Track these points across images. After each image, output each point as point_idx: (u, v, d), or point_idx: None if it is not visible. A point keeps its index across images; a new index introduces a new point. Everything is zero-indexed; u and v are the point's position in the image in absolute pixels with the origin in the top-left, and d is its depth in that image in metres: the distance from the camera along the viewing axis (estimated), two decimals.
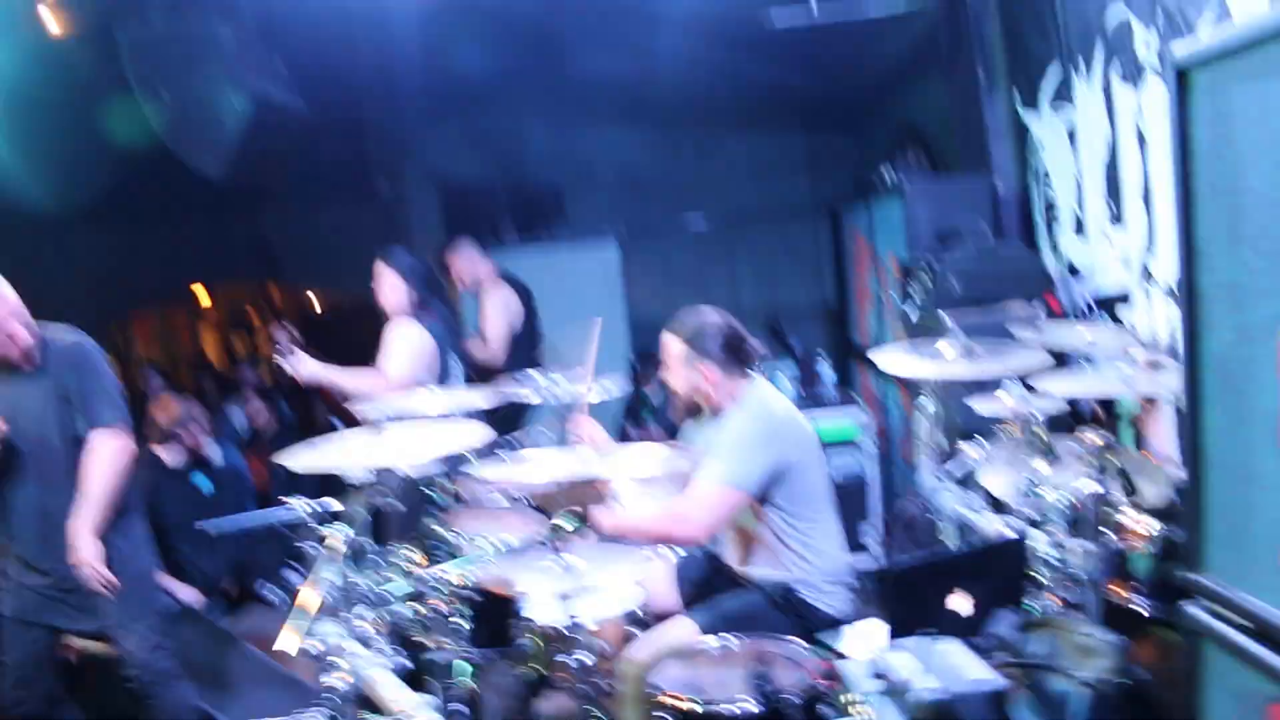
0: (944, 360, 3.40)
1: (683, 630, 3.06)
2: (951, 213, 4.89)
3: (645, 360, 6.55)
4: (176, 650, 3.65)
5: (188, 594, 4.62)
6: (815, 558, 3.12)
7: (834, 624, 3.11)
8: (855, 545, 5.24)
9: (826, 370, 5.79)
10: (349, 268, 4.59)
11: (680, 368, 3.23)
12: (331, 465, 2.72)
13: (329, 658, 2.67)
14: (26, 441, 3.41)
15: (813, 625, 3.08)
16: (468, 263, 5.63)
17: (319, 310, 10.43)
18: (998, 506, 3.15)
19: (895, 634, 2.45)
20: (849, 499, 5.19)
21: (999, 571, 2.57)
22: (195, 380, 8.81)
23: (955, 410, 3.68)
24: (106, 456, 3.43)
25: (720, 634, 2.91)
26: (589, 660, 2.76)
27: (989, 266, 4.48)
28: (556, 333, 6.01)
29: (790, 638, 2.79)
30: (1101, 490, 2.53)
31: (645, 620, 3.35)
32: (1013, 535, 2.81)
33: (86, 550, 3.36)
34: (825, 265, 7.19)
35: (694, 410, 3.32)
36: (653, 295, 7.25)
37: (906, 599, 2.46)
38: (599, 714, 2.96)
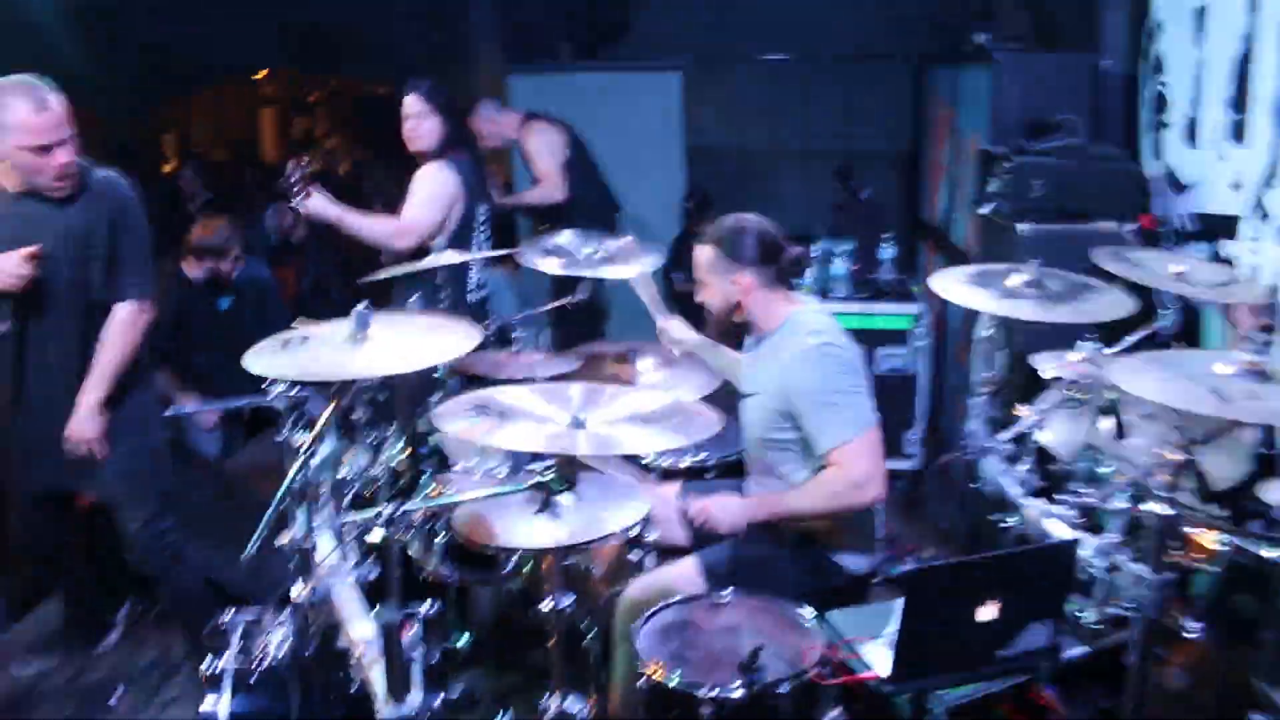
0: (1011, 298, 3.01)
1: (685, 573, 2.86)
2: (1046, 96, 4.35)
3: (701, 202, 6.17)
4: (186, 514, 3.54)
5: (207, 418, 4.58)
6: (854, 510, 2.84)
7: (852, 578, 2.88)
8: (893, 449, 4.98)
9: (888, 252, 5.35)
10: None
11: (713, 278, 2.91)
12: (302, 374, 2.44)
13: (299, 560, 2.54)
14: (45, 281, 3.18)
15: (831, 577, 2.87)
16: (489, 124, 5.41)
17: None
18: (1050, 487, 2.82)
19: (912, 649, 2.20)
20: (894, 398, 4.93)
21: (1039, 579, 2.27)
22: (241, 175, 8.60)
23: (1018, 365, 3.29)
24: (126, 330, 3.25)
25: (723, 586, 2.70)
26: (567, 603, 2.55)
27: (1079, 171, 3.99)
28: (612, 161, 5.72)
29: (799, 608, 2.58)
30: (1169, 509, 2.18)
31: (650, 549, 3.17)
32: (1062, 538, 2.49)
33: (89, 426, 3.21)
34: (903, 126, 6.61)
35: (729, 330, 2.99)
36: (717, 127, 6.85)
37: (928, 607, 2.18)
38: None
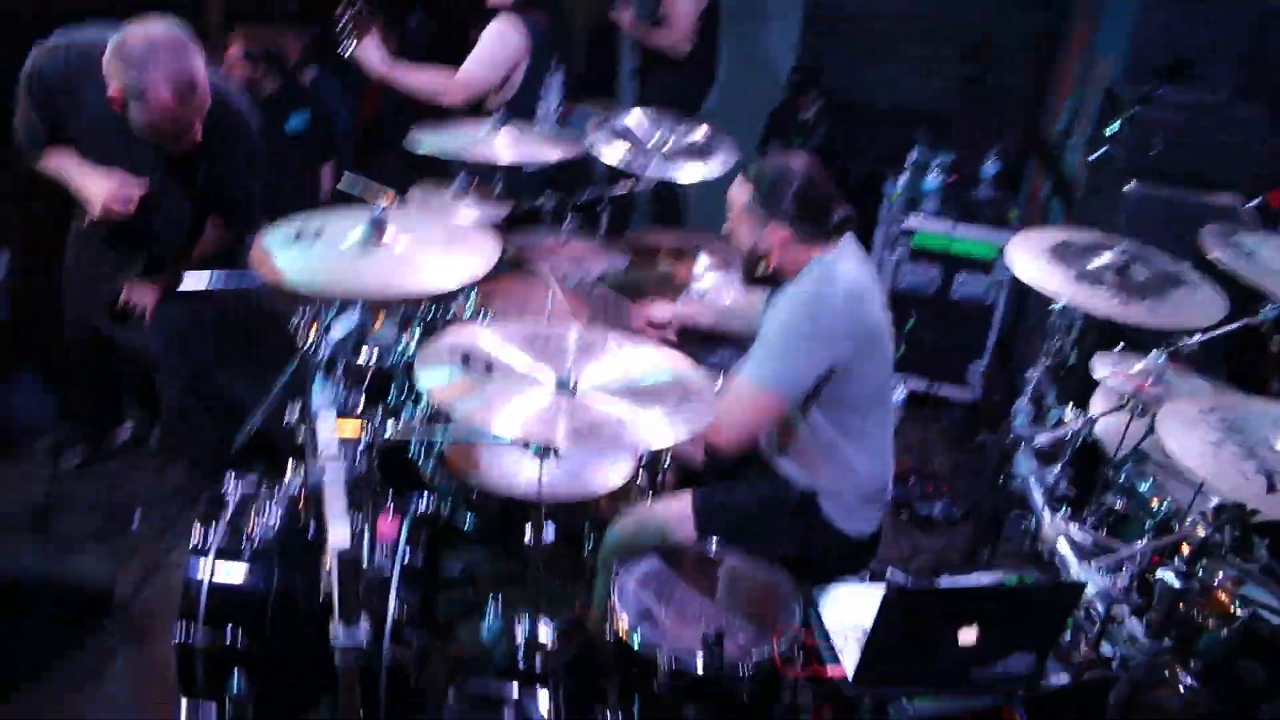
0: (1088, 284, 2.79)
1: (678, 511, 2.82)
2: (1196, 36, 3.93)
3: (807, 77, 5.84)
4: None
5: None
6: (852, 473, 2.76)
7: (850, 545, 2.80)
8: (957, 377, 4.81)
9: (991, 169, 5.02)
10: None
11: (744, 223, 2.73)
12: (305, 282, 2.37)
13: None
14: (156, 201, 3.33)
15: (827, 542, 2.79)
16: None
17: None
18: (1080, 495, 2.67)
19: (878, 658, 2.14)
20: (966, 325, 4.76)
21: (1034, 615, 2.17)
22: None
23: (1085, 352, 3.07)
24: (213, 243, 3.47)
25: (713, 532, 2.73)
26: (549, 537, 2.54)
27: (1209, 133, 3.63)
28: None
29: (784, 580, 2.54)
30: (1179, 584, 2.04)
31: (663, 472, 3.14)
32: (1068, 569, 2.37)
33: (147, 293, 3.45)
34: (1050, 19, 6.04)
35: (756, 274, 2.83)
36: None
37: (902, 625, 2.11)
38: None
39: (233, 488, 2.77)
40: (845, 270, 2.66)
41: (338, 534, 2.47)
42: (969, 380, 4.81)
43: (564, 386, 2.12)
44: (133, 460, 3.96)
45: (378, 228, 2.52)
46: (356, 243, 2.50)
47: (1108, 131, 3.88)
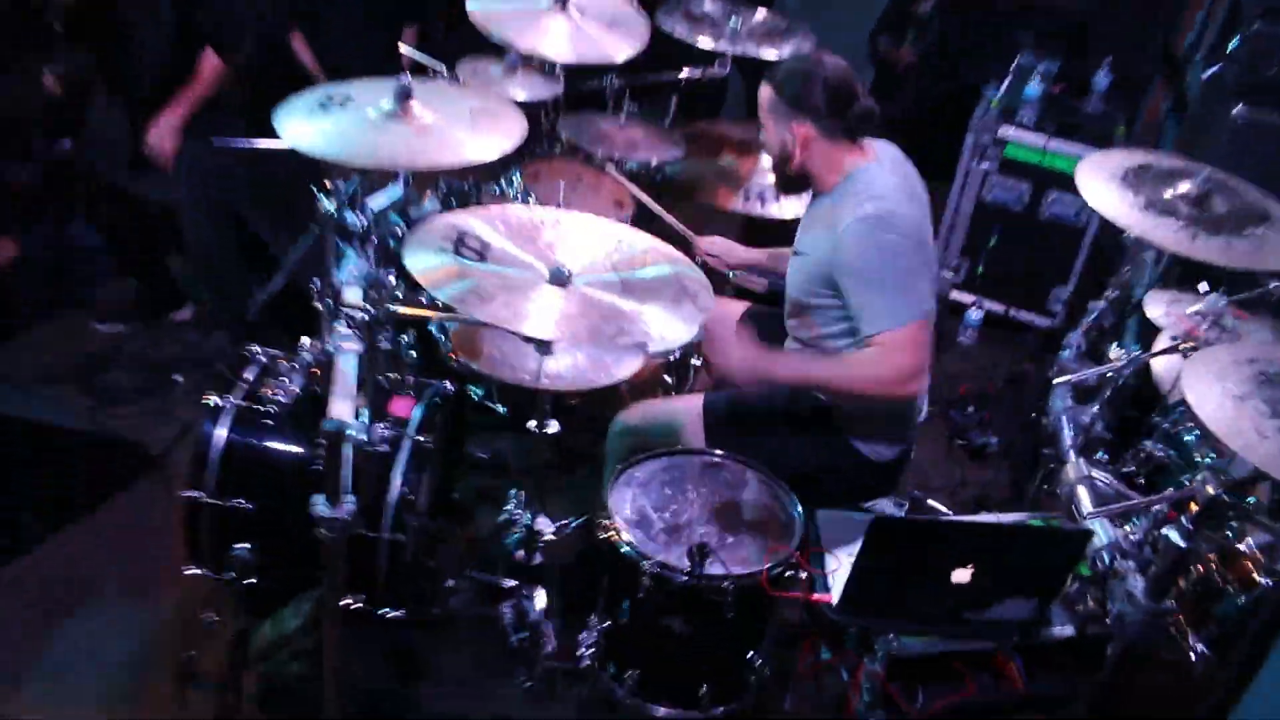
0: (1156, 214, 2.60)
1: (688, 409, 2.78)
2: None
3: None
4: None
5: None
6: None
7: (870, 467, 2.72)
8: (1038, 302, 4.62)
9: (1104, 80, 4.70)
10: None
11: (770, 123, 2.64)
12: (327, 152, 2.34)
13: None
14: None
15: (843, 461, 2.71)
16: None
17: None
18: (1118, 437, 2.54)
19: (863, 589, 2.08)
20: (1053, 248, 4.55)
21: (1036, 560, 2.08)
22: None
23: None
24: (211, 81, 3.59)
25: (722, 435, 2.69)
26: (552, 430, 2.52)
27: None
28: None
29: (787, 496, 2.48)
30: (1184, 542, 1.92)
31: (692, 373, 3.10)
32: (1081, 528, 2.25)
33: (166, 139, 3.53)
34: None
35: (787, 177, 2.71)
36: None
37: (890, 556, 2.05)
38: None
39: (257, 354, 2.81)
40: (885, 180, 2.55)
41: (337, 408, 2.51)
42: (1050, 307, 4.60)
43: (559, 277, 2.07)
44: (180, 325, 4.08)
45: (403, 99, 2.46)
46: (382, 113, 2.45)
47: (1229, 47, 3.58)
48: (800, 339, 2.77)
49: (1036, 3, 5.26)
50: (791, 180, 2.69)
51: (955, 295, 4.70)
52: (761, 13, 3.86)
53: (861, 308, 2.48)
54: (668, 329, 2.01)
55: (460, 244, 2.10)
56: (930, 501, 3.13)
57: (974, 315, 4.54)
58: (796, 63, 2.62)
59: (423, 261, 2.03)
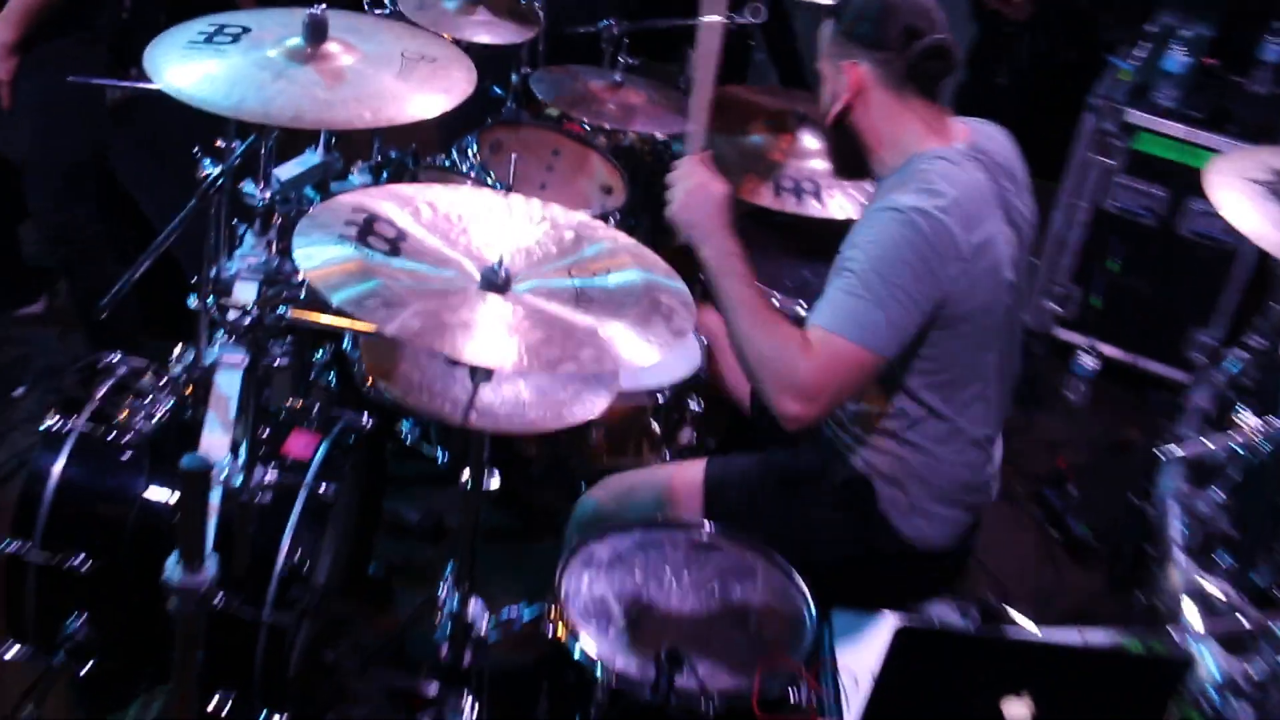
0: None
1: (686, 478, 2.82)
2: None
3: None
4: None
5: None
6: (935, 460, 2.68)
7: (915, 555, 2.73)
8: (1172, 347, 4.62)
9: (1273, 51, 4.71)
10: None
11: (825, 65, 2.69)
12: (206, 100, 2.37)
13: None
14: None
15: (881, 548, 2.73)
16: None
17: None
18: (1243, 539, 2.54)
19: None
20: (1194, 275, 4.58)
21: (1116, 693, 2.08)
22: None
23: None
24: None
25: (727, 512, 2.71)
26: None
27: None
28: None
29: (796, 590, 2.49)
30: None
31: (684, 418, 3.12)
32: (1181, 654, 2.25)
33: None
34: None
35: (844, 154, 2.74)
36: None
37: (921, 678, 2.04)
38: None
39: (115, 364, 2.84)
40: (960, 179, 2.55)
41: (209, 440, 2.55)
42: (1190, 356, 4.59)
43: (493, 280, 2.09)
44: (29, 319, 4.14)
45: (315, 35, 2.50)
46: (286, 52, 2.49)
47: None
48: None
49: None
50: (844, 152, 2.72)
51: (1061, 334, 4.73)
52: None
53: (828, 290, 2.51)
54: (631, 353, 2.03)
55: (367, 231, 2.12)
56: (1010, 610, 3.12)
57: (1085, 363, 4.55)
58: None
59: (315, 252, 2.05)
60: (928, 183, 2.52)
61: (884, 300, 2.44)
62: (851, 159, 2.74)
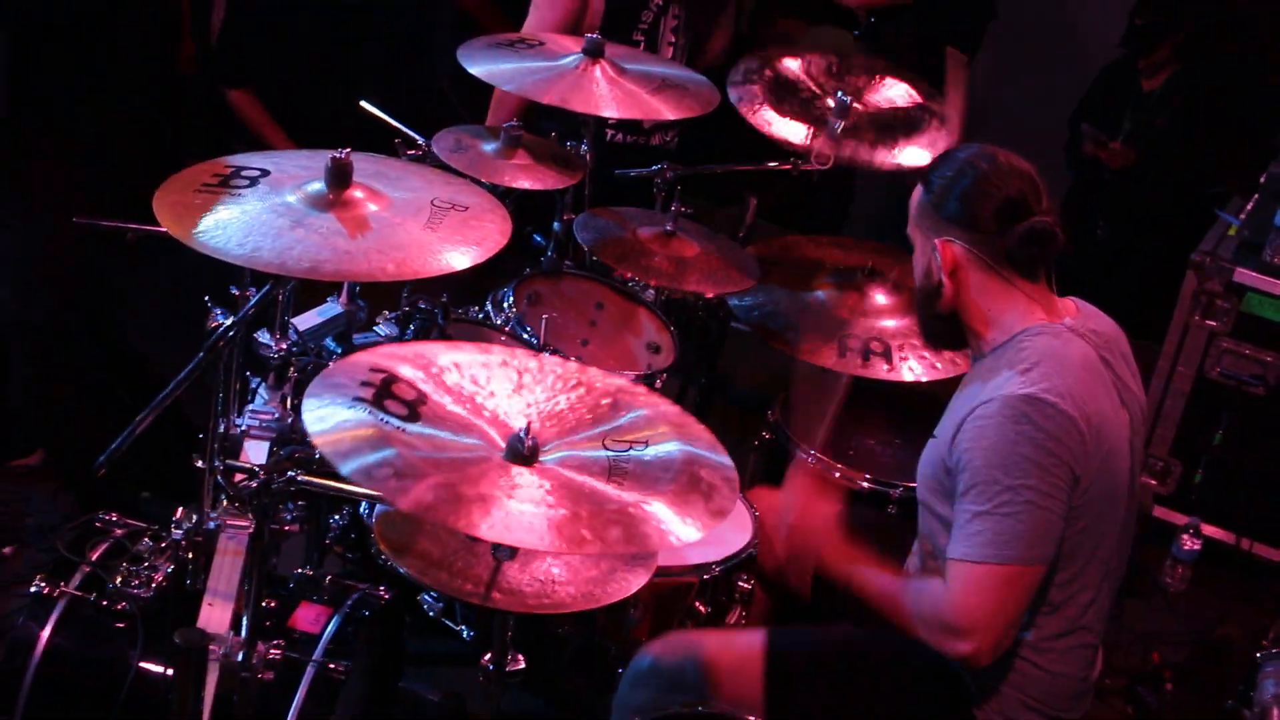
0: None
1: (740, 651, 2.86)
2: None
3: (1162, 18, 5.63)
4: None
5: None
6: (1043, 662, 2.72)
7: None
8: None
9: None
10: None
11: (918, 237, 2.80)
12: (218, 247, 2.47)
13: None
14: None
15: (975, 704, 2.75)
16: None
17: None
18: None
19: None
20: None
21: None
22: None
23: None
24: None
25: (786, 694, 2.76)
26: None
27: None
28: None
29: None
30: None
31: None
32: None
33: None
34: None
35: (934, 325, 2.85)
36: None
37: None
38: None
39: (111, 525, 2.91)
40: (1062, 351, 2.64)
41: (211, 612, 2.61)
42: None
43: (518, 450, 2.14)
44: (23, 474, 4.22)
45: (338, 179, 2.59)
46: (306, 198, 2.59)
47: None
48: (927, 557, 2.85)
49: None
50: (937, 325, 2.81)
51: (1160, 513, 4.72)
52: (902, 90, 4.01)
53: (957, 518, 2.58)
54: (664, 534, 2.07)
55: (384, 393, 2.18)
56: None
57: (1187, 546, 4.52)
58: (957, 152, 2.74)
59: (326, 415, 2.11)
60: (1033, 364, 2.59)
61: (1015, 509, 2.51)
62: (946, 333, 2.83)
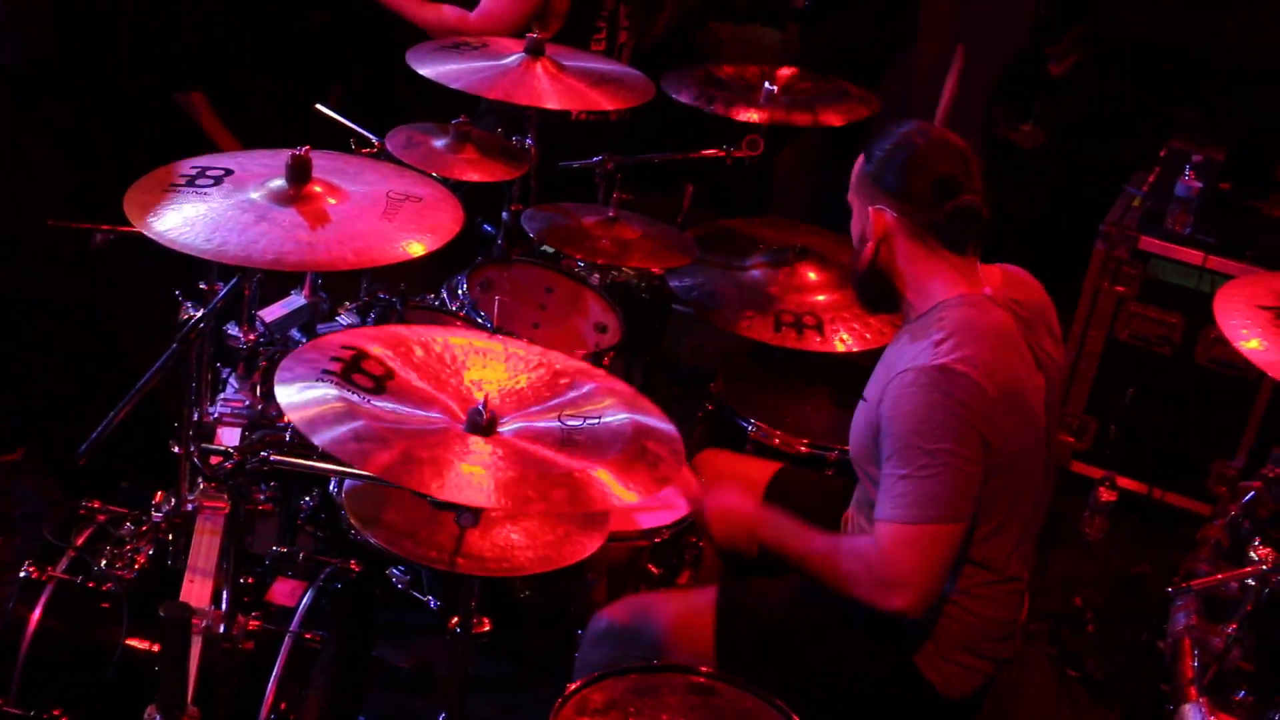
0: None
1: (693, 607, 2.89)
2: None
3: (1066, 9, 5.70)
4: None
5: None
6: (974, 609, 2.76)
7: (936, 704, 2.79)
8: (1192, 480, 4.68)
9: None
10: None
11: (855, 200, 2.84)
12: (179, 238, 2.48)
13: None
14: None
15: (903, 696, 2.79)
16: None
17: None
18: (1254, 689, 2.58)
19: None
20: (1216, 407, 4.62)
21: None
22: None
23: None
24: None
25: (740, 654, 2.77)
26: None
27: None
28: None
29: None
30: None
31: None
32: None
33: None
34: None
35: (867, 290, 2.89)
36: None
37: None
38: None
39: (94, 511, 2.91)
40: (978, 319, 2.68)
41: (192, 589, 2.62)
42: (1213, 488, 4.64)
43: (476, 422, 2.17)
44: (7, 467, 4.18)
45: (298, 174, 2.61)
46: (269, 193, 2.61)
47: None
48: (862, 516, 2.89)
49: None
50: (870, 288, 2.85)
51: (1077, 468, 4.78)
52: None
53: (881, 480, 2.63)
54: (608, 497, 2.11)
55: (352, 370, 2.21)
56: None
57: (1103, 498, 4.58)
58: (898, 126, 2.77)
59: (296, 390, 2.14)
60: (948, 334, 2.63)
61: (934, 471, 2.56)
62: (878, 296, 2.87)
